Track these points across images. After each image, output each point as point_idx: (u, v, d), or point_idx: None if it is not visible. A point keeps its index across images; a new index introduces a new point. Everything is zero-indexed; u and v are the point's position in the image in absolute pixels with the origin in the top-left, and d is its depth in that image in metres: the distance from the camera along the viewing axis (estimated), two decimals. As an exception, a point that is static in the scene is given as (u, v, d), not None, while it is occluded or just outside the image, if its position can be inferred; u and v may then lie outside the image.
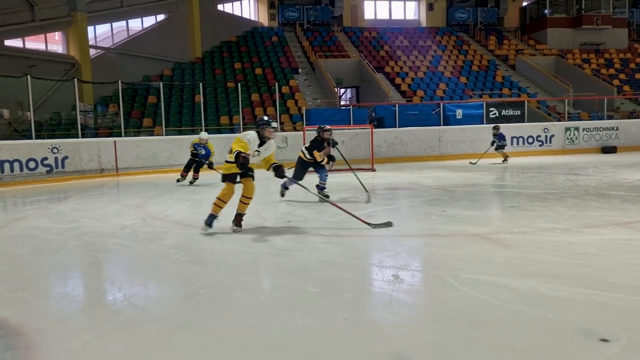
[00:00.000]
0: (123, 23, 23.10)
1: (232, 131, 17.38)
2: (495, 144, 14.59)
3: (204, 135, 11.22)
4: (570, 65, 26.24)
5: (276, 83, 18.99)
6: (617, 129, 18.39)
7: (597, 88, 23.45)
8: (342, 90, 28.30)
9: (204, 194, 9.27)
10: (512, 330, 2.77)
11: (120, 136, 14.67)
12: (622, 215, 6.03)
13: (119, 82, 14.96)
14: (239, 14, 28.53)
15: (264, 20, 29.09)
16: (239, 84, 17.87)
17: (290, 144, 15.75)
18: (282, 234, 5.48)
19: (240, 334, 2.78)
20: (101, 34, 22.43)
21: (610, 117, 20.30)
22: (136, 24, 23.69)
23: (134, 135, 16.19)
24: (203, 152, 11.10)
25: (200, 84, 17.58)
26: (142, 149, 14.16)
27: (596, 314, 2.95)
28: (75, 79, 13.95)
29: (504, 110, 18.16)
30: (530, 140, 17.64)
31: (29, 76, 12.72)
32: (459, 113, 17.70)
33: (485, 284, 3.61)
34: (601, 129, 18.22)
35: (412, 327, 2.86)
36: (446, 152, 17.13)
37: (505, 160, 14.73)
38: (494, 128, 14.74)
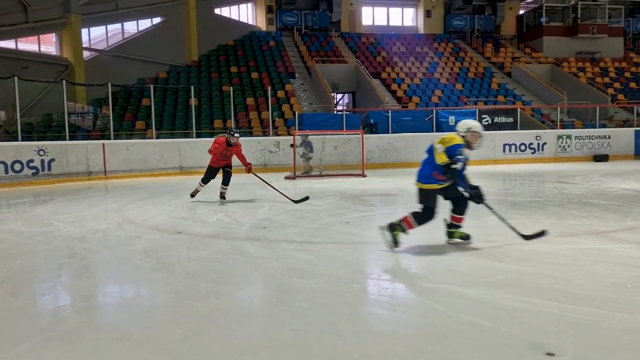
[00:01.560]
0: (118, 25, 23.12)
1: (225, 135, 17.32)
2: None
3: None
4: (566, 74, 26.23)
5: (269, 87, 18.97)
6: (609, 137, 18.35)
7: (592, 96, 23.44)
8: (339, 96, 28.30)
9: (186, 198, 9.22)
10: (460, 343, 2.72)
11: (110, 139, 14.62)
12: (599, 225, 5.99)
13: (109, 84, 14.92)
14: (237, 18, 28.56)
15: (261, 24, 29.13)
16: (232, 88, 17.85)
17: (282, 148, 15.71)
18: (254, 240, 5.43)
19: (181, 345, 2.72)
20: (96, 36, 22.45)
21: (603, 126, 20.27)
22: (131, 27, 23.71)
23: (127, 138, 16.15)
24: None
25: (192, 87, 17.55)
26: (131, 152, 14.11)
27: (549, 327, 2.90)
28: (64, 81, 13.92)
29: (496, 118, 18.13)
30: (523, 147, 17.60)
31: (16, 77, 12.68)
32: (452, 120, 17.66)
33: (445, 294, 3.55)
34: (593, 137, 18.18)
35: (359, 338, 2.81)
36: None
37: None
38: None
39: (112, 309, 3.42)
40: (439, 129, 17.68)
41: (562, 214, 6.81)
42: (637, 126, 19.60)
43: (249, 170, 8.77)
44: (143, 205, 8.47)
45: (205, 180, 8.68)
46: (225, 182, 8.71)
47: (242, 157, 8.73)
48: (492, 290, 3.61)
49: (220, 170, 8.80)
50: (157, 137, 15.80)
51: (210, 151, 8.61)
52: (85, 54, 20.98)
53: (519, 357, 2.54)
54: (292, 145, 13.52)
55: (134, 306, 3.43)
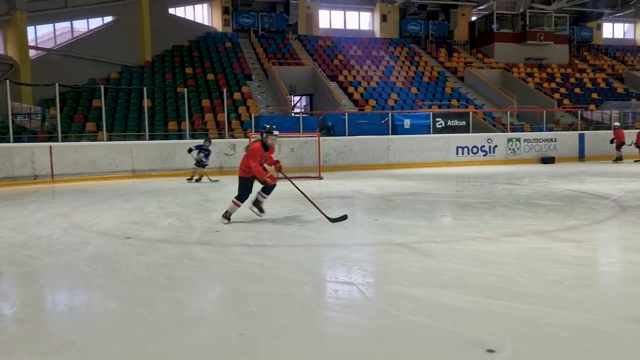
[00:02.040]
0: (67, 24, 22.35)
1: (180, 137, 17.07)
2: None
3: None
4: (516, 79, 27.18)
5: (227, 89, 18.79)
6: (555, 140, 19.14)
7: (540, 101, 24.38)
8: (297, 98, 28.32)
9: (138, 202, 9.00)
10: (405, 343, 2.77)
11: (58, 141, 14.10)
12: (543, 225, 6.22)
13: (57, 85, 14.40)
14: (192, 19, 28.14)
15: (217, 25, 28.81)
16: (187, 89, 17.57)
17: (238, 150, 15.57)
18: (206, 244, 5.36)
19: (125, 353, 2.66)
20: (43, 34, 21.62)
21: (550, 129, 21.11)
22: (82, 25, 22.98)
23: (76, 140, 15.62)
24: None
25: (146, 88, 17.16)
26: (81, 155, 13.67)
27: (491, 325, 2.99)
28: (8, 81, 13.34)
29: (450, 121, 18.58)
30: (475, 150, 18.11)
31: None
32: (407, 123, 17.99)
33: (394, 294, 3.62)
34: (541, 140, 18.91)
35: (307, 341, 2.82)
36: (394, 160, 17.36)
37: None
38: None
39: (53, 318, 3.30)
40: (394, 132, 17.99)
41: (509, 214, 7.05)
42: (581, 130, 20.53)
43: (279, 169, 7.19)
44: (92, 209, 8.22)
45: (243, 197, 6.76)
46: (268, 190, 7.05)
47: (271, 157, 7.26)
48: (439, 290, 3.69)
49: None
50: (109, 139, 15.36)
51: (252, 164, 6.64)
52: (32, 52, 20.17)
53: (461, 354, 2.61)
54: (189, 150, 12.86)
55: (77, 314, 3.32)
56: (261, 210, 7.09)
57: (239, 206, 6.68)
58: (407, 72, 26.96)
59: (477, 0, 30.60)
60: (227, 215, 6.66)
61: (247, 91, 22.19)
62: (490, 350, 2.61)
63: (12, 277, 4.29)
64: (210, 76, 23.13)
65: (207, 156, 12.99)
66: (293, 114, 21.60)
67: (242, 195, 6.71)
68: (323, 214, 6.58)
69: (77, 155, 13.62)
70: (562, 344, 2.73)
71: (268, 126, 6.80)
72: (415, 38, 31.00)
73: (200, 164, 12.84)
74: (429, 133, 18.05)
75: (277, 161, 7.17)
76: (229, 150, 15.49)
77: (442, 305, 3.35)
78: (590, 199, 8.58)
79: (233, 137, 17.37)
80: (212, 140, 13.62)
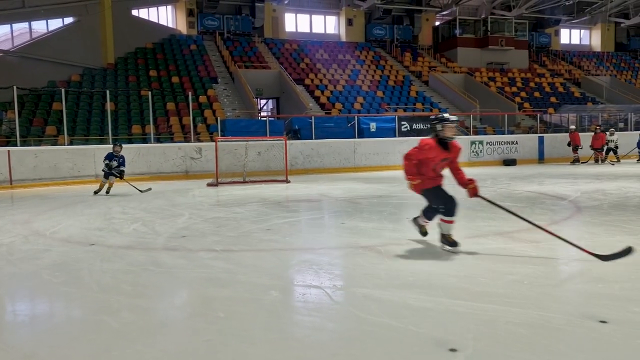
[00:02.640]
0: (25, 25, 21.69)
1: (145, 141, 16.79)
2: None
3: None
4: (478, 83, 27.85)
5: (193, 92, 18.60)
6: (517, 143, 19.72)
7: (501, 104, 25.05)
8: (263, 101, 28.24)
9: (101, 208, 8.82)
10: (371, 344, 2.83)
11: (16, 145, 13.67)
12: (504, 225, 6.41)
13: (14, 87, 13.96)
14: (156, 21, 27.72)
15: (182, 28, 28.46)
16: (152, 92, 17.30)
17: (204, 154, 15.44)
18: (172, 250, 5.31)
19: (89, 361, 2.63)
20: (0, 35, 20.91)
21: (511, 132, 21.71)
22: (40, 26, 22.33)
23: (36, 145, 15.17)
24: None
25: (108, 91, 16.81)
26: (41, 160, 13.28)
27: (453, 324, 3.08)
28: (-38, 84, 12.87)
29: (415, 124, 18.89)
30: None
31: None
32: (373, 126, 18.20)
33: (359, 297, 3.68)
34: (503, 143, 19.44)
35: (273, 345, 2.84)
36: (361, 164, 17.52)
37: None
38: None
39: (14, 329, 3.22)
40: (360, 135, 18.17)
41: (472, 216, 7.22)
42: (541, 133, 21.20)
43: (473, 193, 5.20)
44: (53, 216, 8.01)
45: (449, 209, 5.10)
46: (450, 211, 5.08)
47: (459, 171, 5.21)
48: (404, 291, 3.78)
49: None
50: (70, 144, 14.98)
51: (412, 163, 5.06)
52: (-13, 54, 19.48)
53: (424, 354, 2.69)
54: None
55: (40, 324, 3.25)
56: (424, 233, 5.52)
57: (452, 222, 5.09)
58: (372, 76, 27.26)
59: (441, 5, 31.22)
60: (449, 240, 5.04)
61: (213, 94, 22.01)
62: (452, 350, 2.69)
63: (-32, 288, 4.16)
64: (175, 79, 22.84)
65: (122, 164, 11.06)
66: (260, 118, 21.55)
67: (447, 209, 5.04)
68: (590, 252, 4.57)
69: (36, 160, 13.23)
70: (521, 341, 2.84)
71: (442, 114, 5.01)
72: (380, 42, 31.38)
73: (109, 174, 10.89)
74: (395, 136, 18.31)
75: (471, 180, 5.15)
76: (195, 154, 15.33)
77: (405, 306, 3.43)
78: (549, 200, 8.89)
79: (199, 140, 17.20)
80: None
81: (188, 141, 16.62)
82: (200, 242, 5.70)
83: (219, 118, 18.17)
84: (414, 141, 17.69)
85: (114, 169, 10.94)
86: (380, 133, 18.27)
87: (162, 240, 5.88)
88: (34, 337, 3.02)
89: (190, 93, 17.73)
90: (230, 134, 15.91)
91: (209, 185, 12.68)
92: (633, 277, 4.05)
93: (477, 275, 4.15)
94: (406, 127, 18.57)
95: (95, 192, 10.98)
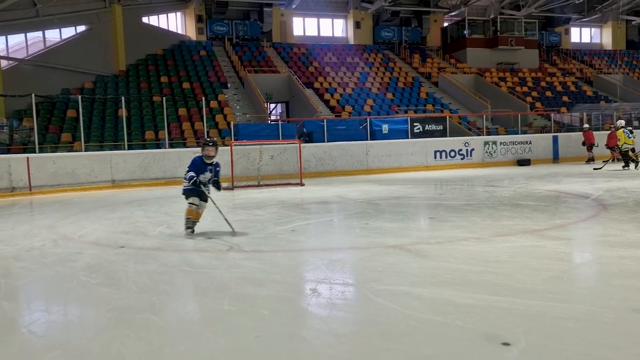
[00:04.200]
0: (39, 33, 21.92)
1: (158, 146, 16.88)
2: None
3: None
4: (488, 83, 27.76)
5: (204, 98, 18.68)
6: (530, 142, 19.62)
7: (513, 104, 24.95)
8: (273, 106, 28.32)
9: (123, 212, 8.87)
10: (421, 339, 2.83)
11: (34, 152, 13.79)
12: (531, 224, 6.38)
13: (33, 95, 14.09)
14: (166, 27, 27.92)
15: (191, 34, 28.64)
16: (165, 98, 17.41)
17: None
18: (202, 252, 5.33)
19: (144, 359, 2.64)
20: (14, 44, 21.15)
21: (524, 132, 21.61)
22: (54, 35, 22.56)
23: (51, 151, 15.30)
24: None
25: (123, 97, 16.93)
26: (59, 166, 13.39)
27: (500, 319, 3.07)
28: (-19, 92, 13.02)
29: (427, 125, 18.87)
30: (452, 154, 18.41)
31: None
32: (385, 128, 18.19)
33: (399, 294, 3.67)
34: (516, 143, 19.36)
35: (324, 341, 2.85)
36: (373, 166, 17.50)
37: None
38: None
39: (64, 327, 3.25)
40: (372, 137, 18.17)
41: (496, 215, 7.20)
42: (555, 132, 21.09)
43: None
44: (77, 220, 8.07)
45: None
46: None
47: None
48: (442, 289, 3.77)
49: None
50: (85, 150, 15.09)
51: None
52: (3, 63, 19.70)
53: (477, 348, 2.68)
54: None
55: (87, 323, 3.28)
56: None
57: None
58: (382, 78, 27.26)
59: (449, 6, 31.20)
60: None
61: (223, 99, 22.10)
62: (505, 344, 2.68)
63: (10, 289, 4.19)
64: (185, 85, 22.97)
65: (216, 174, 6.55)
66: (270, 122, 21.60)
67: None
68: None
69: (55, 166, 13.34)
70: (571, 334, 2.82)
71: None
72: (389, 44, 31.39)
73: (199, 192, 6.40)
74: (407, 138, 18.29)
75: None
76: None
77: (448, 302, 3.42)
78: (571, 199, 8.84)
79: (212, 145, 17.26)
80: (194, 150, 13.12)
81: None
82: (228, 243, 5.72)
83: (231, 122, 18.24)
84: (427, 142, 17.68)
85: (208, 183, 6.39)
86: (393, 135, 18.26)
87: (190, 241, 5.91)
88: (84, 335, 3.04)
89: (202, 98, 17.78)
90: (242, 138, 15.97)
91: (224, 189, 12.69)
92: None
93: (514, 273, 4.13)
94: (419, 128, 18.55)
95: (189, 228, 6.32)
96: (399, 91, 26.22)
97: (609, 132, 18.38)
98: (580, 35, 36.35)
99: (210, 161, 6.31)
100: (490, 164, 18.55)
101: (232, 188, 12.80)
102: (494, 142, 19.06)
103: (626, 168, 14.55)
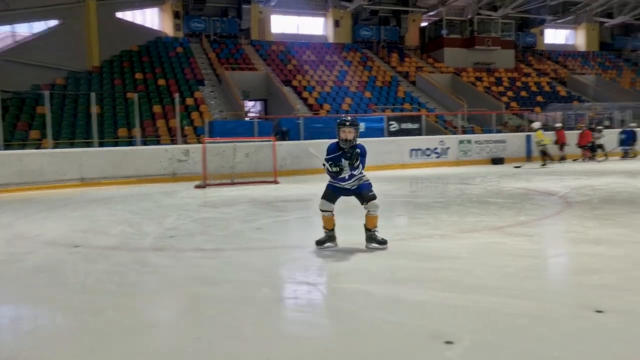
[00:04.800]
0: (8, 28, 21.35)
1: (131, 144, 16.57)
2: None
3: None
4: (465, 83, 27.94)
5: (179, 95, 18.40)
6: (505, 141, 19.77)
7: (488, 104, 25.14)
8: (251, 103, 28.08)
9: (86, 211, 8.65)
10: (364, 338, 2.75)
11: (0, 149, 13.40)
12: (496, 221, 6.37)
13: (-2, 90, 13.68)
14: (141, 23, 27.46)
15: (168, 30, 28.23)
16: (138, 95, 17.09)
17: (192, 156, 15.26)
18: (159, 250, 5.18)
19: (72, 362, 2.51)
20: (-18, 39, 20.59)
21: (499, 131, 21.78)
22: (24, 30, 22.00)
23: (19, 149, 14.89)
24: None
25: (93, 93, 16.56)
26: (25, 164, 13.01)
27: (449, 317, 3.01)
28: (-57, 87, 12.59)
29: (403, 124, 18.88)
30: (428, 152, 18.45)
31: None
32: (362, 126, 18.10)
33: (354, 292, 3.59)
34: (491, 142, 19.48)
35: (263, 342, 2.75)
36: (350, 164, 17.41)
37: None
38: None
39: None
40: (349, 136, 18.08)
41: (463, 212, 7.19)
42: (529, 131, 21.28)
43: None
44: (37, 219, 7.82)
45: None
46: None
47: None
48: (398, 286, 3.70)
49: None
50: (55, 147, 14.72)
51: None
52: (-31, 57, 19.15)
53: (419, 347, 2.61)
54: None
55: (22, 326, 3.12)
56: None
57: None
58: (360, 77, 27.24)
59: (427, 6, 31.31)
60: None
61: (199, 96, 21.83)
62: (448, 342, 2.62)
63: (-53, 291, 4.01)
64: (161, 82, 22.62)
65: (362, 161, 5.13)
66: (247, 119, 21.40)
67: None
68: None
69: (20, 164, 12.95)
70: (519, 331, 2.77)
71: None
72: (367, 43, 31.38)
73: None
74: (383, 136, 18.28)
75: None
76: (182, 156, 15.16)
77: (399, 300, 3.36)
78: (539, 196, 8.88)
79: (186, 143, 17.02)
80: (167, 147, 13.03)
81: (175, 144, 16.43)
82: (188, 242, 5.58)
83: (206, 120, 18.01)
84: (403, 141, 17.64)
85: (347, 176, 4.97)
86: (369, 133, 18.21)
87: (149, 240, 5.75)
88: (16, 339, 2.89)
89: (177, 95, 17.50)
90: (217, 135, 15.76)
91: (196, 187, 12.52)
92: (628, 268, 4.01)
93: (472, 269, 4.08)
94: (395, 127, 18.56)
95: (320, 244, 5.06)
96: (377, 90, 26.23)
97: (580, 131, 18.66)
98: (555, 36, 36.84)
99: (347, 146, 4.84)
100: (465, 162, 18.63)
101: (204, 186, 12.62)
102: (469, 141, 19.16)
103: (544, 165, 16.36)
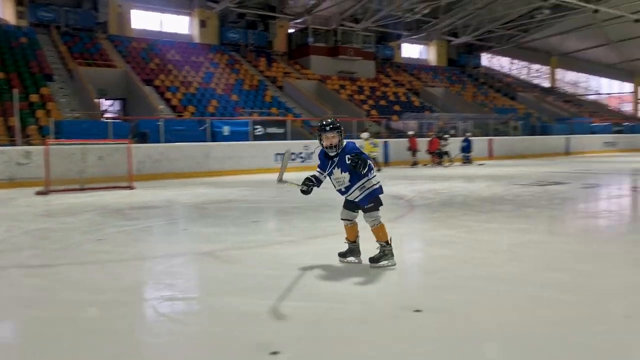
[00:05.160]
0: None
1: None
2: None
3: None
4: (330, 90, 29.01)
5: (16, 90, 16.54)
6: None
7: (351, 111, 26.36)
8: (108, 102, 26.23)
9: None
10: (190, 355, 2.65)
11: None
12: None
13: None
14: (-24, 8, 24.29)
15: (9, 17, 25.28)
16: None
17: (34, 159, 13.80)
18: (-26, 268, 4.57)
19: None
20: None
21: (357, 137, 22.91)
22: None
23: None
24: None
25: None
26: None
27: (279, 326, 3.04)
28: None
29: (269, 128, 19.01)
30: (293, 156, 18.79)
31: None
32: (227, 129, 17.94)
33: (189, 305, 3.49)
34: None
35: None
36: (215, 168, 17.09)
37: None
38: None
39: None
40: (214, 139, 17.78)
41: (317, 217, 7.40)
42: (386, 138, 22.71)
43: None
44: None
45: None
46: None
47: None
48: (234, 296, 3.66)
49: None
50: None
51: None
52: None
53: (244, 358, 2.59)
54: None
55: None
56: None
57: None
58: (227, 79, 26.91)
59: (294, 14, 31.94)
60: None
61: (47, 93, 19.86)
62: (273, 353, 2.63)
63: None
64: (0, 75, 20.17)
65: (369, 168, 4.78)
66: (104, 120, 19.95)
67: None
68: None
69: None
70: (345, 337, 2.88)
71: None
72: (235, 46, 31.11)
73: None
74: (249, 140, 18.24)
75: None
76: (22, 159, 13.64)
77: (234, 311, 3.32)
78: (388, 200, 9.42)
79: (29, 144, 15.36)
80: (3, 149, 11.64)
81: (15, 144, 14.74)
82: (13, 258, 5.00)
83: (54, 119, 16.43)
84: (268, 145, 17.72)
85: (346, 187, 4.63)
86: (234, 137, 18.07)
87: (-36, 257, 5.05)
88: None
89: (16, 91, 15.69)
90: (67, 137, 14.45)
91: (38, 193, 11.33)
92: (449, 268, 4.40)
93: (311, 276, 4.18)
94: (260, 131, 18.61)
95: (343, 256, 4.72)
96: (244, 93, 26.11)
97: (430, 139, 20.37)
98: (411, 50, 39.84)
99: (334, 153, 4.39)
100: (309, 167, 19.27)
101: (47, 192, 11.46)
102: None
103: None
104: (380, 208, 4.33)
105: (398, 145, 21.49)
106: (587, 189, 10.78)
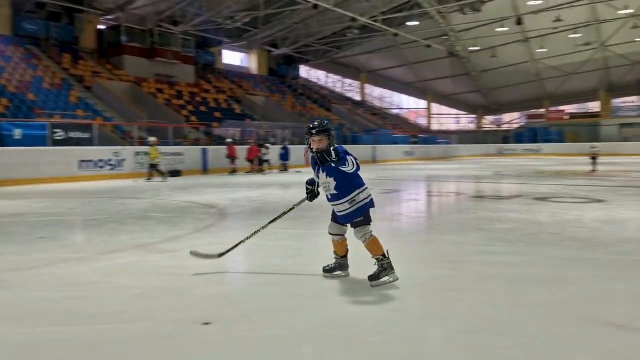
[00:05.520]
0: None
1: None
2: None
3: None
4: (146, 93, 27.54)
5: None
6: (183, 154, 20.27)
7: (169, 116, 25.37)
8: None
9: None
10: None
11: None
12: (148, 237, 6.30)
13: None
14: None
15: None
16: None
17: None
18: None
19: None
20: None
21: (179, 144, 22.18)
22: None
23: None
24: None
25: None
26: None
27: (51, 357, 2.72)
28: None
29: (72, 133, 17.28)
30: (101, 164, 17.37)
31: None
32: (18, 133, 15.81)
33: None
34: (169, 154, 19.64)
35: None
36: (4, 176, 14.91)
37: None
38: None
39: None
40: (3, 143, 15.53)
41: (118, 229, 6.89)
42: (206, 145, 22.35)
43: None
44: None
45: None
46: None
47: None
48: (6, 324, 3.19)
49: None
50: None
51: None
52: None
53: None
54: None
55: None
56: None
57: None
58: (22, 76, 23.79)
59: (104, 9, 29.61)
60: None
61: None
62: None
63: None
64: None
65: None
66: None
67: None
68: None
69: None
70: (129, 358, 2.69)
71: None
72: (33, 39, 27.62)
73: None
74: (46, 145, 16.34)
75: None
76: None
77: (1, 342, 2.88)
78: (200, 209, 9.27)
79: None
80: None
81: None
82: None
83: None
84: (71, 151, 16.15)
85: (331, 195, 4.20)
86: (29, 141, 16.01)
87: None
88: None
89: None
90: None
91: None
92: (240, 277, 4.44)
93: (99, 295, 3.86)
94: (61, 135, 16.80)
95: (326, 272, 4.34)
96: (43, 92, 23.33)
97: (249, 146, 20.64)
98: (232, 58, 39.97)
99: (320, 156, 3.84)
100: (142, 174, 18.22)
101: None
102: (146, 152, 18.85)
103: (149, 180, 16.33)
104: (361, 222, 4.00)
105: (217, 152, 21.32)
106: (386, 194, 11.94)
